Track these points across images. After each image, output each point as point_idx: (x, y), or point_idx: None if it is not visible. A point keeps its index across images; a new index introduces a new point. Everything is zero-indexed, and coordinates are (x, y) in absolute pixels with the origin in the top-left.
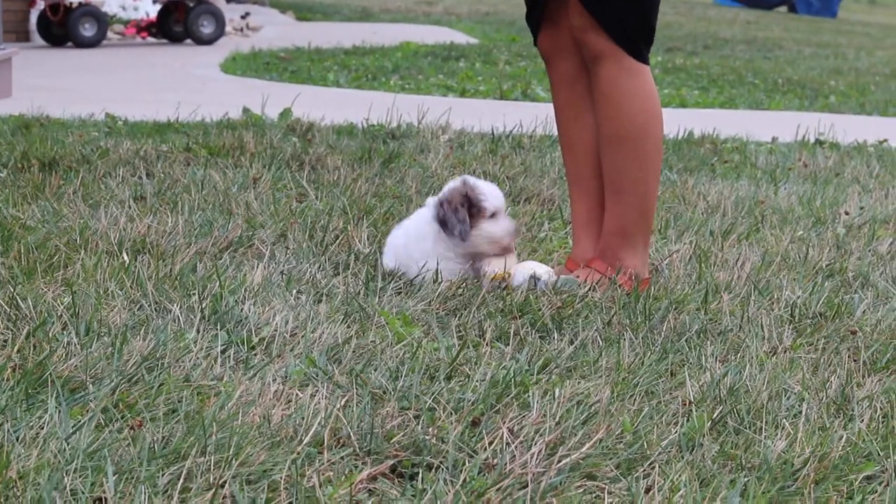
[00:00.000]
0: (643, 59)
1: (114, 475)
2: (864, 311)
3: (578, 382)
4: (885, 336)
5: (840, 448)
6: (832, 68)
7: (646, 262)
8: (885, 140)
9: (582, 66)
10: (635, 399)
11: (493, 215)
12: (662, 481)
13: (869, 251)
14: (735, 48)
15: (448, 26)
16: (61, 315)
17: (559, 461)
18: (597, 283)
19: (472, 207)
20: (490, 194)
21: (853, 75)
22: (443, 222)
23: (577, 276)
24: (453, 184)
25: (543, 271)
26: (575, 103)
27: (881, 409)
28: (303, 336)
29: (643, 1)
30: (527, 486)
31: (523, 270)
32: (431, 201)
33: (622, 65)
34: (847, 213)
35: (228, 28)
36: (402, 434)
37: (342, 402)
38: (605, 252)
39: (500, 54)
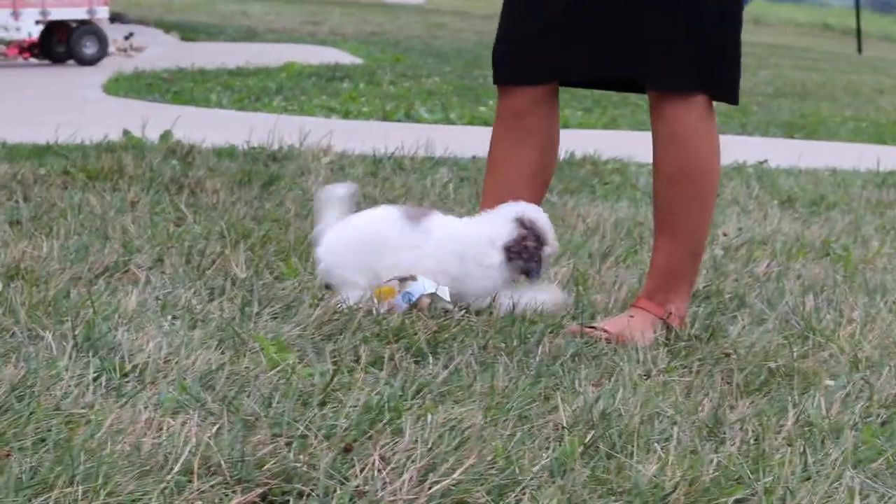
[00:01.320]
0: (710, 92)
1: None
2: (738, 334)
3: (452, 407)
4: (759, 358)
5: (711, 471)
6: None
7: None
8: (766, 161)
9: (535, 100)
10: (508, 424)
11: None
12: None
13: (746, 273)
14: None
15: (333, 46)
16: None
17: (430, 488)
18: (646, 327)
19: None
20: (547, 228)
21: None
22: (526, 272)
23: (632, 317)
24: (514, 226)
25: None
26: (518, 133)
27: (753, 431)
28: (176, 363)
29: (715, 49)
30: None
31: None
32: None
33: (693, 103)
34: (725, 235)
35: (112, 48)
36: (273, 461)
37: (213, 430)
38: (655, 292)
39: (384, 75)
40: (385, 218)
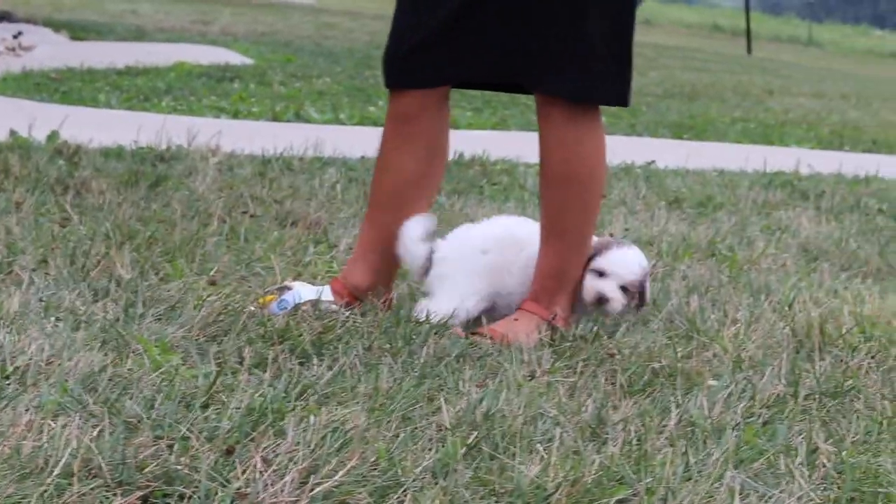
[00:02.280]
0: (602, 100)
1: None
2: (623, 334)
3: (335, 409)
4: (643, 359)
5: (593, 472)
6: None
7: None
8: (654, 161)
9: (425, 104)
10: (392, 425)
11: None
12: None
13: None
14: None
15: (224, 46)
16: None
17: (312, 490)
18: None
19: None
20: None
21: None
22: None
23: (516, 320)
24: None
25: (314, 292)
26: (410, 138)
27: (635, 431)
28: (59, 365)
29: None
30: None
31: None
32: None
33: (579, 108)
34: (612, 236)
35: (0, 47)
36: (154, 464)
37: (95, 432)
38: (541, 294)
39: (274, 75)
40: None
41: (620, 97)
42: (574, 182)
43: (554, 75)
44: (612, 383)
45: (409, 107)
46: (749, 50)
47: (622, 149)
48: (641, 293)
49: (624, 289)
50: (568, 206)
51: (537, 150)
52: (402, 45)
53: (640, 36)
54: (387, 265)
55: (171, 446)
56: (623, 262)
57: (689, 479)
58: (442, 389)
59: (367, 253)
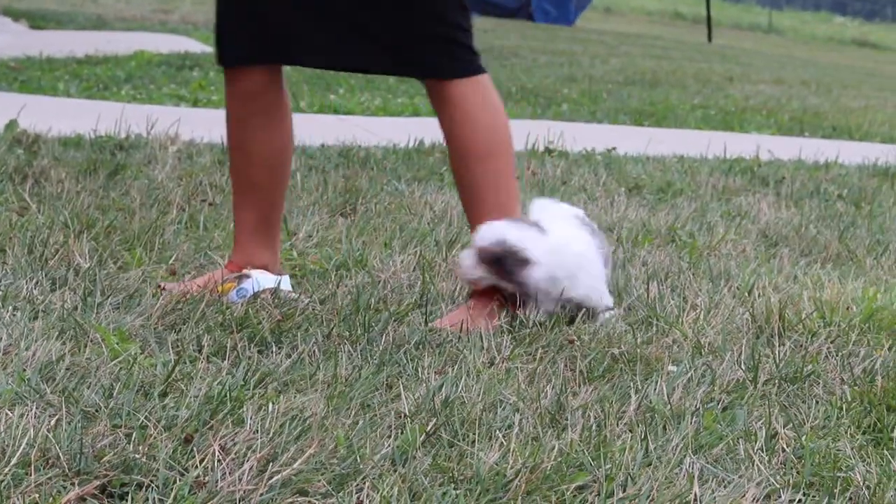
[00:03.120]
0: (481, 68)
1: None
2: (582, 320)
3: (294, 397)
4: (603, 345)
5: (552, 458)
6: (567, 76)
7: None
8: (614, 148)
9: (269, 79)
10: (351, 412)
11: None
12: (374, 495)
13: None
14: None
15: (184, 34)
16: None
17: (270, 478)
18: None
19: None
20: None
21: (587, 83)
22: None
23: (471, 308)
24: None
25: (273, 280)
26: (260, 114)
27: (595, 418)
28: (16, 354)
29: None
30: (237, 503)
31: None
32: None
33: (468, 80)
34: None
35: None
36: (112, 453)
37: (52, 422)
38: None
39: None
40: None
41: (474, 66)
42: (488, 155)
43: (442, 58)
44: (572, 369)
45: (246, 86)
46: (710, 37)
47: (582, 135)
48: (509, 272)
49: (481, 259)
50: (492, 181)
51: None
52: (224, 25)
53: (601, 24)
54: (275, 241)
55: (129, 435)
56: (483, 232)
57: (649, 464)
58: (401, 376)
59: (252, 234)
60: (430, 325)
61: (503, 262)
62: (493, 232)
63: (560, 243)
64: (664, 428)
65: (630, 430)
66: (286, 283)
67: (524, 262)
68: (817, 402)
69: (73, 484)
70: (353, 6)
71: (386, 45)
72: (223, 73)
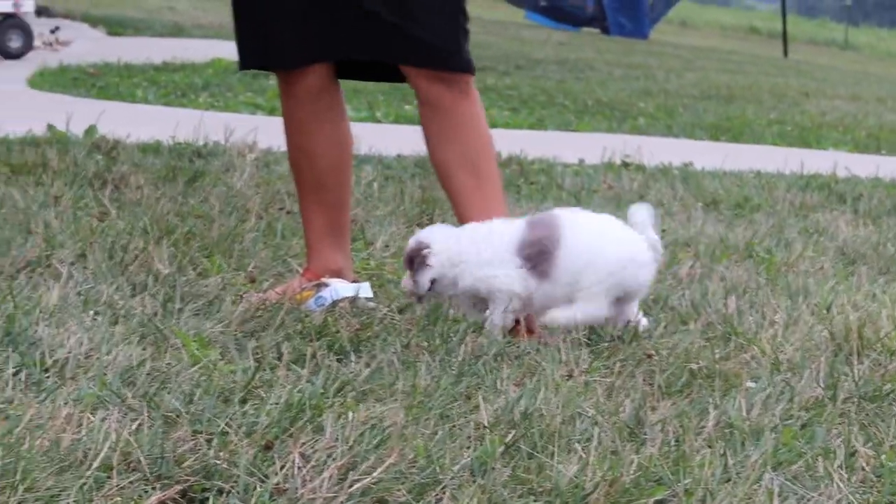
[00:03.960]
0: (471, 68)
1: None
2: (661, 335)
3: (373, 406)
4: (681, 360)
5: (631, 472)
6: (642, 90)
7: None
8: (691, 163)
9: (328, 80)
10: (430, 423)
11: None
12: None
13: (669, 274)
14: (547, 69)
15: None
16: None
17: (350, 486)
18: None
19: None
20: None
21: (662, 97)
22: None
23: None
24: None
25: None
26: (320, 115)
27: (673, 432)
28: (97, 358)
29: (454, 19)
30: None
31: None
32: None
33: (462, 87)
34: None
35: (37, 42)
36: (193, 458)
37: (134, 426)
38: None
39: None
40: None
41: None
42: (490, 151)
43: (441, 54)
44: (650, 384)
45: (314, 83)
46: (785, 52)
47: (659, 149)
48: (416, 272)
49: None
50: (495, 176)
51: (575, 149)
52: (293, 23)
53: (676, 37)
54: (347, 243)
55: (209, 441)
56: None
57: (728, 480)
58: (480, 388)
59: (324, 237)
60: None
61: (413, 261)
62: (415, 236)
63: (457, 238)
64: (743, 444)
65: (709, 446)
66: (366, 290)
67: (423, 262)
68: None
69: (154, 488)
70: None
71: (416, 43)
72: (279, 77)
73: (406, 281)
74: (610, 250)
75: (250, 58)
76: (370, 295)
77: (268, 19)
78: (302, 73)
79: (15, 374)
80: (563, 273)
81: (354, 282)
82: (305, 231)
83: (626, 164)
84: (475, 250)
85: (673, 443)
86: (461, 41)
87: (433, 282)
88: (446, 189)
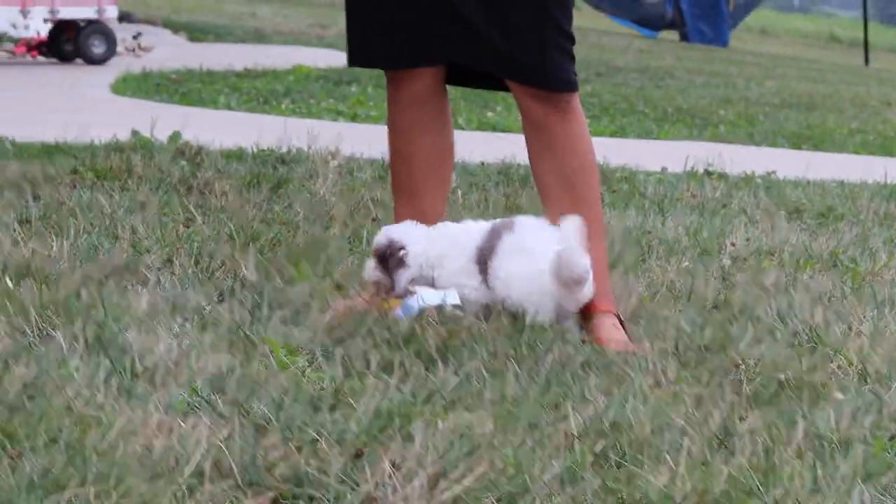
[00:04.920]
0: (570, 87)
1: None
2: (748, 345)
3: (462, 414)
4: (769, 370)
5: (721, 483)
6: (722, 98)
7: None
8: (774, 171)
9: (435, 87)
10: (519, 432)
11: None
12: None
13: (755, 284)
14: (627, 76)
15: (341, 50)
16: None
17: (441, 494)
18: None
19: None
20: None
21: (743, 105)
22: None
23: (613, 326)
24: None
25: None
26: (423, 120)
27: (763, 443)
28: (186, 365)
29: (547, 36)
30: None
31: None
32: None
33: (561, 105)
34: (733, 245)
35: (120, 48)
36: (284, 466)
37: (224, 433)
38: (605, 289)
39: None
40: None
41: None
42: (592, 169)
43: (552, 70)
44: (738, 394)
45: (413, 90)
46: (867, 61)
47: (741, 158)
48: (391, 270)
49: (373, 255)
50: (596, 197)
51: (658, 157)
52: (358, 29)
53: (756, 45)
54: None
55: (300, 448)
56: (379, 233)
57: (818, 492)
58: (568, 397)
59: None
60: (594, 342)
61: (387, 259)
62: (384, 232)
63: (431, 238)
64: (832, 455)
65: (798, 457)
66: (453, 297)
67: (401, 262)
68: None
69: (245, 495)
70: (486, 18)
71: (515, 59)
72: (386, 78)
73: (373, 272)
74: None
75: (359, 55)
76: (457, 302)
77: (380, 18)
78: (409, 77)
79: (106, 381)
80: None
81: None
82: None
83: (708, 173)
84: (452, 255)
85: (762, 453)
86: (557, 59)
87: (411, 282)
88: (543, 203)
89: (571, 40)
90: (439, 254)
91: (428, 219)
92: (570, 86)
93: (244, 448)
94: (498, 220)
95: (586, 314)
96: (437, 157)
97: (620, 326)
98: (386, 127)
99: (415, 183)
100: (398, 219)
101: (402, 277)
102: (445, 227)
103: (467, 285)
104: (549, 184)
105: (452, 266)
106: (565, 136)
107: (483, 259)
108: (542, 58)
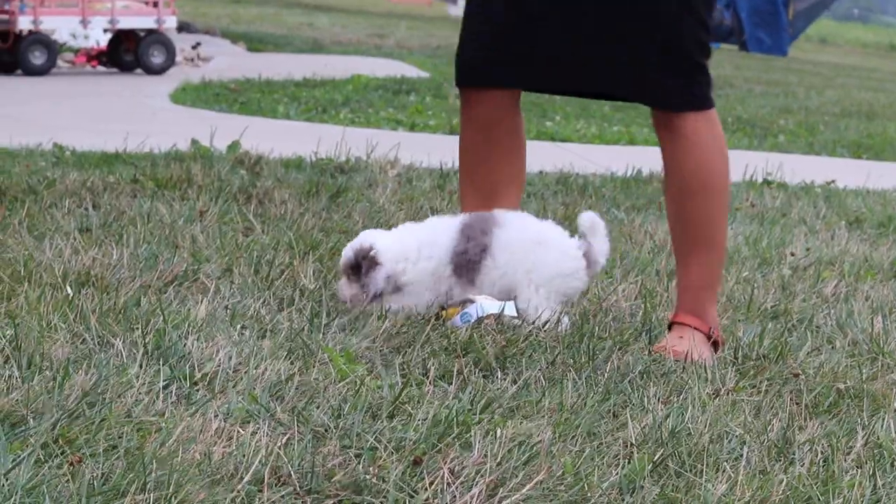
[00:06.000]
0: (713, 103)
1: None
2: (807, 354)
3: (521, 423)
4: (828, 379)
5: (780, 492)
6: (782, 107)
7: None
8: (833, 181)
9: (509, 108)
10: (577, 440)
11: None
12: None
13: (814, 293)
14: None
15: (399, 59)
16: (3, 348)
17: (499, 502)
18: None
19: None
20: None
21: (803, 114)
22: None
23: (681, 337)
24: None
25: (497, 306)
26: (493, 143)
27: (822, 452)
28: (246, 372)
29: (704, 58)
30: None
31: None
32: None
33: (700, 114)
34: (793, 255)
35: (179, 58)
36: (343, 473)
37: (283, 440)
38: (696, 307)
39: (450, 88)
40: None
41: (711, 101)
42: (713, 189)
43: (657, 88)
44: (797, 403)
45: (486, 111)
46: None
47: (800, 167)
48: (366, 275)
49: (343, 272)
50: (712, 215)
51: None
52: (487, 44)
53: (816, 55)
54: None
55: (359, 456)
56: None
57: (878, 501)
58: (627, 405)
59: None
60: (652, 347)
61: (360, 266)
62: (348, 247)
63: (398, 238)
64: (892, 465)
65: (858, 466)
66: (511, 309)
67: (374, 263)
68: None
69: (304, 502)
70: (600, 31)
71: (627, 72)
72: (461, 96)
73: (346, 289)
74: (547, 259)
75: (470, 73)
76: (515, 314)
77: (471, 36)
78: (482, 96)
79: (165, 388)
80: (488, 282)
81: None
82: None
83: (768, 182)
84: (423, 254)
85: (821, 463)
86: (660, 79)
87: (388, 279)
88: (669, 210)
89: (686, 61)
90: (407, 249)
91: None
92: (697, 103)
93: (303, 455)
94: (469, 217)
95: (670, 325)
96: (505, 180)
97: (692, 338)
98: (445, 136)
99: (482, 199)
100: None
101: (379, 276)
102: (409, 226)
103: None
104: (668, 192)
105: (424, 265)
106: (672, 153)
107: (465, 259)
108: (641, 76)
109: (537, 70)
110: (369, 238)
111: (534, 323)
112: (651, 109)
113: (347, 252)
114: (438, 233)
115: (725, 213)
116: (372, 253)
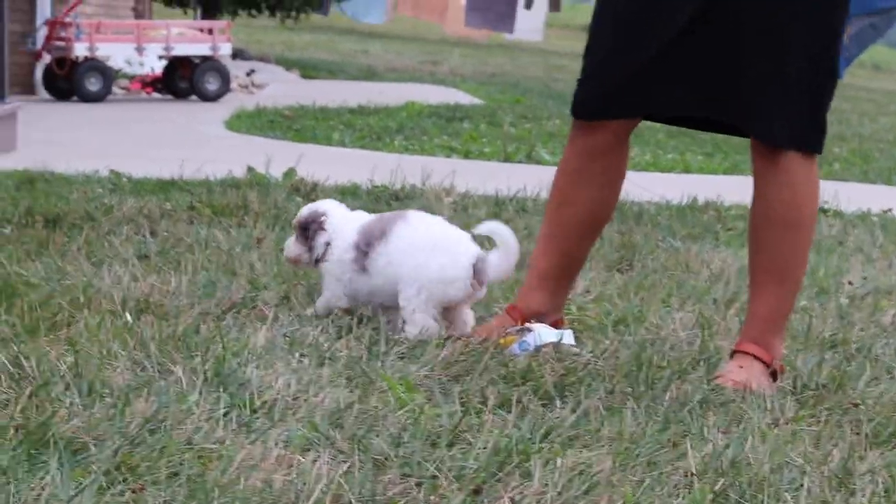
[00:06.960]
0: (821, 150)
1: None
2: (866, 384)
3: (580, 452)
4: (888, 409)
5: None
6: (836, 134)
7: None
8: (890, 209)
9: (616, 142)
10: (637, 469)
11: None
12: None
13: (872, 322)
14: None
15: (453, 87)
16: (64, 375)
17: None
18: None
19: None
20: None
21: (857, 142)
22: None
23: (741, 367)
24: None
25: (555, 335)
26: (593, 173)
27: (883, 483)
28: (305, 400)
29: (823, 105)
30: None
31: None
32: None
33: (805, 157)
34: (850, 284)
35: (234, 85)
36: (403, 501)
37: (344, 468)
38: (761, 338)
39: (504, 116)
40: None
41: (822, 146)
42: (799, 226)
43: (778, 124)
44: (857, 433)
45: (600, 141)
46: None
47: (856, 195)
48: (310, 238)
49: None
50: (792, 250)
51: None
52: (604, 78)
53: (869, 81)
54: (563, 291)
55: (419, 484)
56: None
57: None
58: (686, 435)
59: (543, 280)
60: (712, 380)
61: (307, 227)
62: (308, 205)
63: (343, 216)
64: None
65: None
66: (569, 338)
67: (320, 227)
68: None
69: None
70: (731, 67)
71: (752, 108)
72: (577, 125)
73: (293, 247)
74: (432, 263)
75: (592, 105)
76: (573, 342)
77: (592, 66)
78: (596, 127)
79: (225, 415)
80: (375, 269)
81: (557, 328)
82: (530, 267)
83: (824, 211)
84: (346, 236)
85: (883, 493)
86: (813, 124)
87: (327, 245)
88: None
89: (797, 98)
90: (341, 227)
91: (570, 260)
92: (774, 141)
93: (363, 483)
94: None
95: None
96: (595, 213)
97: (752, 368)
98: (500, 163)
99: (566, 226)
100: (538, 251)
101: (319, 242)
102: (361, 213)
103: (337, 258)
104: (752, 225)
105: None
106: (766, 184)
107: (364, 241)
108: (768, 110)
109: (662, 100)
110: (327, 205)
111: (590, 352)
112: (753, 140)
113: (303, 211)
114: (371, 220)
115: (807, 249)
116: (322, 218)
